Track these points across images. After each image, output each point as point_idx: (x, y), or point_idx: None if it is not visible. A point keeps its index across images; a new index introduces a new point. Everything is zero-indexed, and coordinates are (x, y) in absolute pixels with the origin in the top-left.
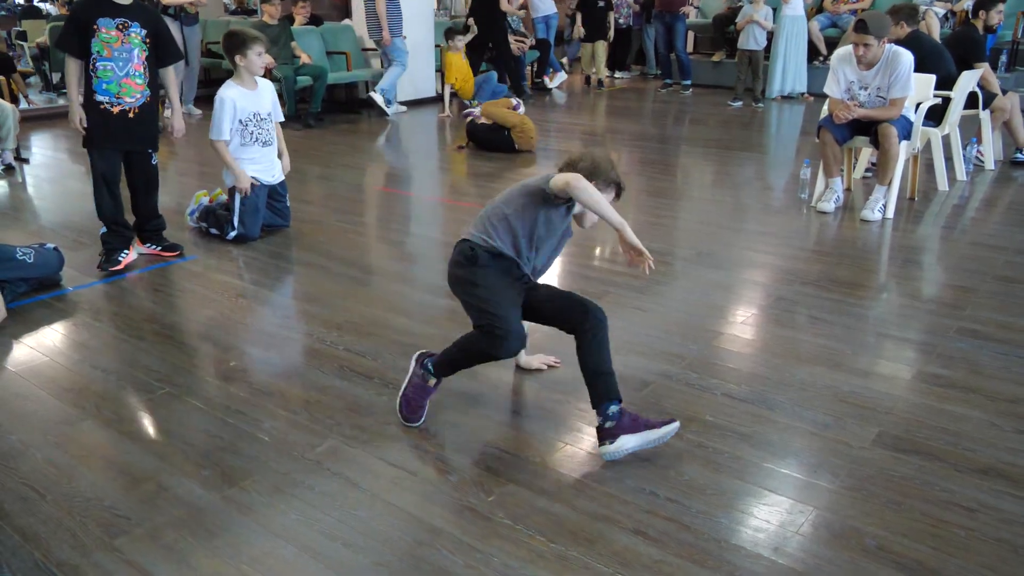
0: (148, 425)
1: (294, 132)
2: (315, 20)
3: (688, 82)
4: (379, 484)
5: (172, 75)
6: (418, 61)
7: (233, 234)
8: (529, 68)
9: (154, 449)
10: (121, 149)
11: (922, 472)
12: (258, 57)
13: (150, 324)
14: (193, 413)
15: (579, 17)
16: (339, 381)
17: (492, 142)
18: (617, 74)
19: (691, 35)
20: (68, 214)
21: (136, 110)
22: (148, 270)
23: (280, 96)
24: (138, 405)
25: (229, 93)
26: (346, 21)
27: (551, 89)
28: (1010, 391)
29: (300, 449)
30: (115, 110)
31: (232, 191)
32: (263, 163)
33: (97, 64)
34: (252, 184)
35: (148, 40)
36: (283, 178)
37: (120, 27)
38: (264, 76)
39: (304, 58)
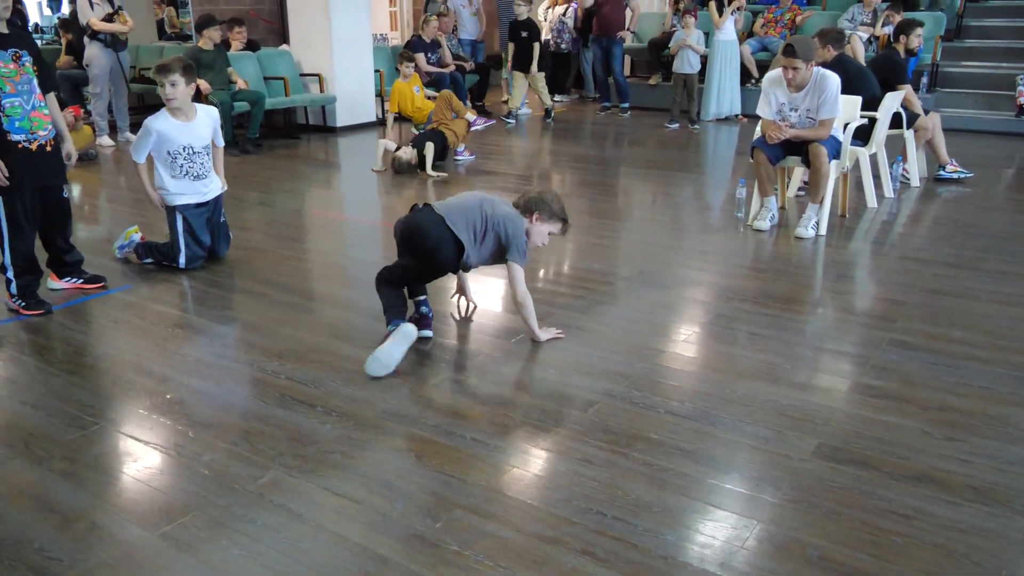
0: (80, 462)
1: (232, 158)
2: (252, 45)
3: (626, 104)
4: (324, 514)
5: (54, 101)
6: (357, 85)
7: (183, 259)
8: (469, 92)
9: (87, 487)
10: (38, 187)
11: (860, 482)
12: (171, 88)
13: (81, 357)
14: (128, 448)
15: (510, 47)
16: (281, 410)
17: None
18: (556, 97)
19: (628, 59)
20: None
21: (51, 142)
22: (79, 301)
23: None
24: (69, 441)
25: (156, 124)
26: (283, 46)
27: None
28: (940, 399)
29: (241, 481)
30: (33, 146)
31: (171, 211)
32: (194, 196)
33: (3, 102)
34: (170, 206)
35: (35, 68)
36: (219, 193)
37: (14, 58)
38: (201, 101)
39: (241, 84)
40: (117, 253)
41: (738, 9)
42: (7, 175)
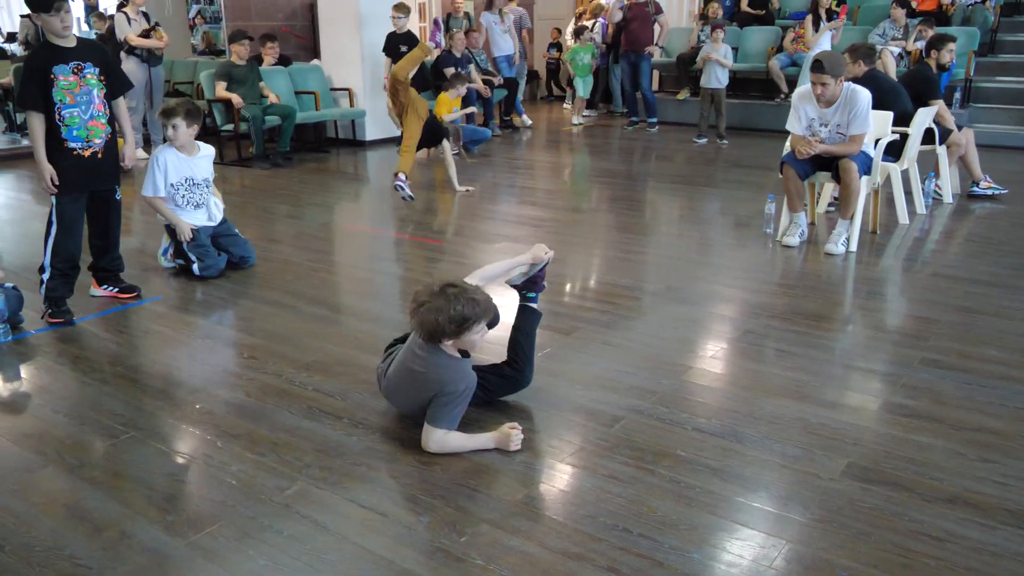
0: (111, 470)
1: (262, 171)
2: (284, 60)
3: (654, 119)
4: (349, 527)
5: (123, 106)
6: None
7: (197, 268)
8: (497, 107)
9: (117, 495)
10: (90, 191)
11: (891, 503)
12: (173, 130)
13: (113, 367)
14: (157, 457)
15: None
16: (308, 422)
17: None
18: (584, 112)
19: (656, 73)
20: (30, 256)
21: (103, 150)
22: (111, 312)
23: (248, 136)
24: (100, 450)
25: (163, 155)
26: (315, 61)
27: (520, 128)
28: (974, 420)
29: (268, 492)
30: (87, 153)
31: (170, 230)
32: (196, 219)
33: (63, 112)
34: (193, 228)
35: (103, 77)
36: (221, 217)
37: (75, 71)
38: (232, 116)
39: (272, 98)
40: (163, 260)
41: (835, 29)
42: (57, 183)
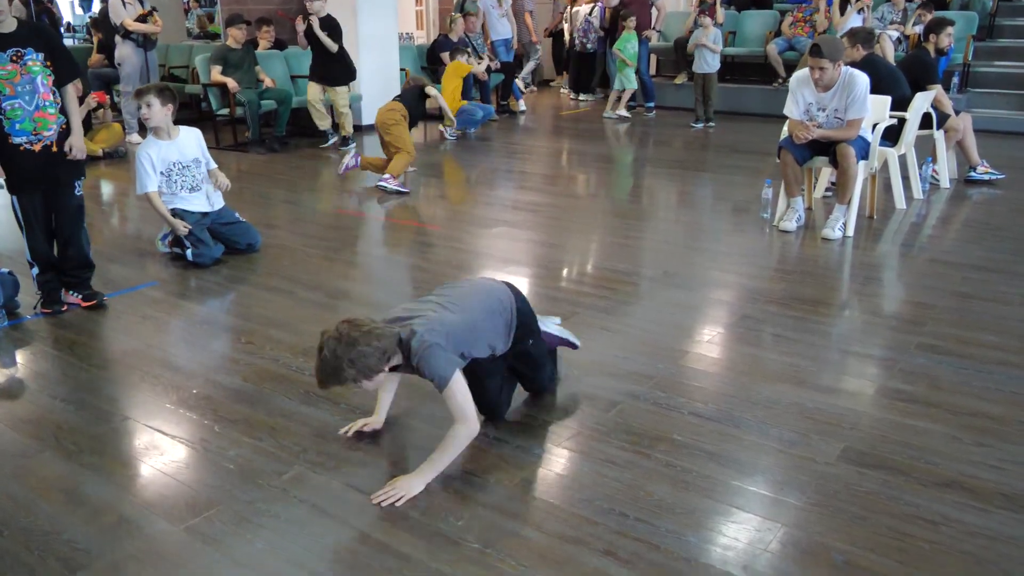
0: (109, 455)
1: (258, 156)
2: (279, 44)
3: (651, 104)
4: (347, 511)
5: (72, 94)
6: (383, 84)
7: (191, 253)
8: (494, 91)
9: (115, 480)
10: (46, 188)
11: (887, 487)
12: (147, 108)
13: (110, 352)
14: (155, 442)
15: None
16: (305, 407)
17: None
18: (581, 96)
19: (653, 58)
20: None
21: (57, 142)
22: (108, 297)
23: (244, 120)
24: (98, 435)
25: (143, 150)
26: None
27: (517, 113)
28: (970, 405)
29: (266, 477)
30: (37, 147)
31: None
32: (194, 203)
33: (3, 105)
34: (186, 227)
35: (48, 63)
36: (223, 204)
37: (14, 58)
38: (228, 101)
39: (268, 82)
40: (161, 246)
41: (864, 8)
42: (5, 177)
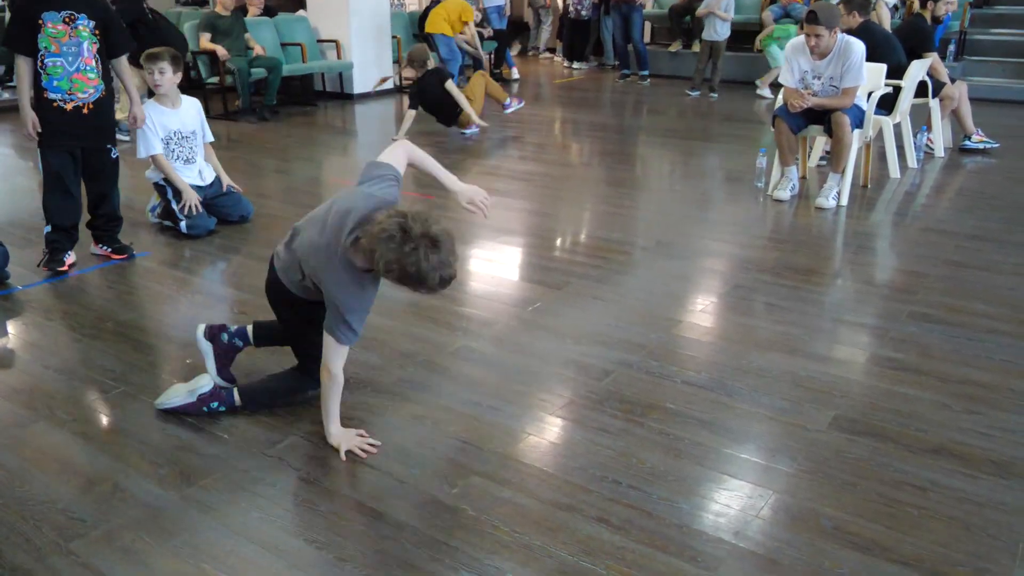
0: (103, 425)
1: (249, 125)
2: (269, 11)
3: (646, 72)
4: (341, 479)
5: (125, 65)
6: (375, 52)
7: (184, 226)
8: (488, 57)
9: (109, 449)
10: (77, 147)
11: (876, 453)
12: (160, 75)
13: (103, 322)
14: (149, 412)
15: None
16: None
17: (441, 110)
18: (575, 64)
19: (648, 25)
20: (15, 212)
21: (91, 105)
22: (101, 267)
23: (234, 89)
24: (92, 405)
25: (148, 111)
26: (300, 12)
27: (510, 81)
28: (960, 373)
29: (260, 446)
30: (68, 107)
31: (160, 188)
32: (186, 175)
33: (46, 60)
34: (160, 184)
35: (97, 32)
36: (214, 177)
37: (67, 20)
38: (217, 69)
39: (258, 50)
40: (151, 217)
41: None
42: (39, 130)
